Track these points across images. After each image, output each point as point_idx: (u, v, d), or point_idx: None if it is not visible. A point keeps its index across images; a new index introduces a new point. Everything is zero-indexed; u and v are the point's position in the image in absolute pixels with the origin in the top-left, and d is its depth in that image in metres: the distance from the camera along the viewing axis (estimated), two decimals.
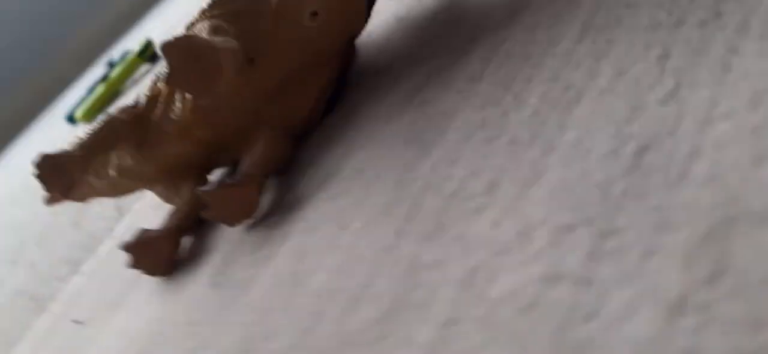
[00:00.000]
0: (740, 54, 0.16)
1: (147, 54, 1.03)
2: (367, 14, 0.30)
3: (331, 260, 0.21)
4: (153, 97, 0.32)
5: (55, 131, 1.28)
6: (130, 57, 1.03)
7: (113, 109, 0.32)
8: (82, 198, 0.34)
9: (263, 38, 0.29)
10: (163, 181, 0.33)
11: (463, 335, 0.15)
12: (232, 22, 0.29)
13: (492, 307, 0.15)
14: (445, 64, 0.27)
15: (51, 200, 0.36)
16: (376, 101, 0.29)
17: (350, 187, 0.24)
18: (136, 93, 0.94)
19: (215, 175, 0.37)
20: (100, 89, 1.05)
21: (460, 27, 0.28)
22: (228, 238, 0.29)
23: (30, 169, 1.12)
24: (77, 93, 1.60)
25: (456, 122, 0.23)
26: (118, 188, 0.35)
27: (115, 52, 1.67)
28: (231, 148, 0.32)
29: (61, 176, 0.28)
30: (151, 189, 0.35)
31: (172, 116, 0.31)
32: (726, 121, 0.15)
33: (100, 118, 0.31)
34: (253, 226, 0.28)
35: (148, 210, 0.41)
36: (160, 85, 0.32)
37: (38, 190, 0.89)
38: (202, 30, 0.27)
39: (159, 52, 1.06)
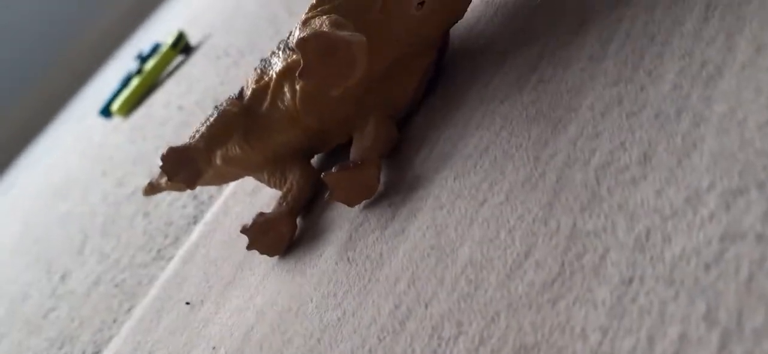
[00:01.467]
0: None
1: (180, 46, 1.05)
2: (469, 1, 0.32)
3: (478, 233, 0.23)
4: (260, 90, 0.33)
5: (88, 125, 1.30)
6: (164, 49, 1.05)
7: (221, 101, 0.34)
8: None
9: (372, 28, 0.31)
10: (269, 168, 0.35)
11: (647, 291, 0.17)
12: (344, 12, 0.31)
13: (673, 265, 0.17)
14: (557, 44, 0.28)
15: (149, 190, 0.38)
16: (481, 83, 0.30)
17: (477, 165, 0.26)
18: (175, 83, 0.95)
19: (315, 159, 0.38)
20: (136, 82, 1.06)
21: (561, 8, 0.30)
22: (349, 217, 0.30)
23: (68, 164, 1.14)
24: (96, 88, 1.61)
25: (587, 99, 0.24)
26: (225, 176, 0.37)
27: (131, 47, 1.68)
28: (334, 134, 0.34)
29: (188, 167, 0.30)
30: (255, 176, 0.36)
31: (281, 107, 0.33)
32: None
33: (213, 111, 0.33)
34: (373, 206, 0.29)
35: (228, 198, 0.43)
36: (267, 77, 0.33)
37: (86, 182, 0.91)
38: (324, 24, 0.29)
39: (191, 43, 1.07)
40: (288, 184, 0.34)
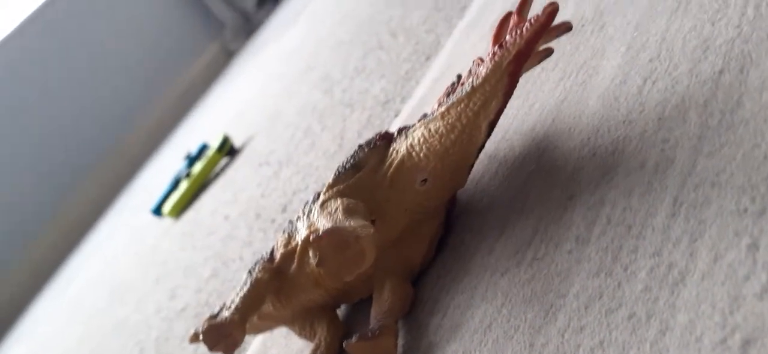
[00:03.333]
0: None
1: (225, 149, 1.11)
2: (469, 172, 0.35)
3: None
4: (288, 254, 0.37)
5: (141, 223, 1.37)
6: (211, 153, 1.11)
7: (255, 268, 0.38)
8: None
9: (381, 203, 0.34)
10: (300, 321, 0.39)
11: None
12: (355, 193, 0.35)
13: None
14: (549, 218, 0.31)
15: (193, 339, 0.42)
16: (486, 248, 0.33)
17: (482, 342, 0.29)
18: (221, 188, 1.01)
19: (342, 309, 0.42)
20: (185, 184, 1.13)
21: (553, 180, 0.33)
22: None
23: (123, 264, 1.20)
24: (144, 181, 1.70)
25: (574, 287, 0.27)
26: (261, 328, 0.40)
27: (179, 142, 1.77)
28: (356, 292, 0.37)
29: (225, 339, 0.34)
30: (288, 327, 0.40)
31: (307, 270, 0.37)
32: None
33: (247, 280, 0.37)
34: None
35: (266, 339, 0.47)
36: (295, 242, 0.37)
37: (141, 288, 0.96)
38: (339, 209, 0.32)
39: (235, 146, 1.14)
40: (316, 340, 0.37)
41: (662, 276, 0.24)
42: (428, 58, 0.69)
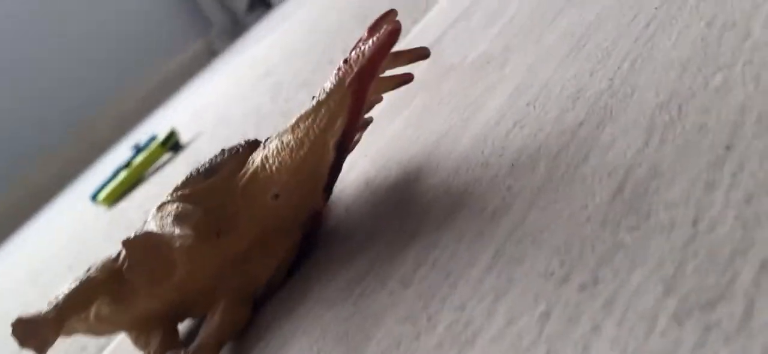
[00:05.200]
0: (600, 336, 0.18)
1: (170, 143, 1.09)
2: (327, 194, 0.33)
3: None
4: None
5: (79, 209, 1.33)
6: (154, 146, 1.08)
7: (93, 266, 0.35)
8: (64, 336, 0.37)
9: (230, 214, 0.32)
10: (136, 329, 0.36)
11: None
12: (203, 199, 0.32)
13: None
14: (386, 255, 0.29)
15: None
16: (328, 280, 0.31)
17: None
18: (155, 183, 0.98)
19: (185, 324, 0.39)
20: (123, 175, 1.10)
21: (407, 214, 0.31)
22: None
23: (51, 248, 1.16)
24: (106, 168, 1.67)
25: (380, 331, 0.24)
26: (96, 330, 0.37)
27: (144, 132, 1.74)
28: (197, 305, 0.34)
29: (35, 338, 0.31)
30: (125, 333, 0.37)
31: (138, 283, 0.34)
32: None
33: (78, 278, 0.34)
34: None
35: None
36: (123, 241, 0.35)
37: (58, 271, 0.92)
38: (170, 214, 0.30)
39: (182, 142, 1.11)
40: (147, 351, 0.34)
41: (457, 333, 0.21)
42: None
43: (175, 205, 0.31)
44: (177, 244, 0.27)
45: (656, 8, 0.31)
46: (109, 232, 0.92)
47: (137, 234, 0.27)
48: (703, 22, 0.27)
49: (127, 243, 0.27)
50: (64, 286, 0.37)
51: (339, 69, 0.28)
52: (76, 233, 1.11)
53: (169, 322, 0.35)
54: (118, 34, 2.60)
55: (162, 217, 0.30)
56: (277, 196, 0.32)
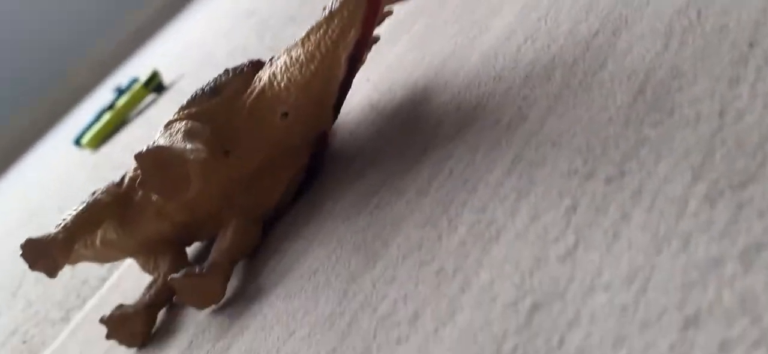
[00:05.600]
0: (629, 223, 0.18)
1: (153, 84, 1.06)
2: (336, 113, 0.32)
3: None
4: (135, 178, 0.34)
5: (62, 153, 1.31)
6: (137, 87, 1.06)
7: (99, 189, 0.34)
8: (71, 263, 0.36)
9: (237, 133, 0.31)
10: (144, 254, 0.36)
11: None
12: (209, 118, 0.32)
13: None
14: (399, 170, 0.29)
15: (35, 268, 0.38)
16: (340, 196, 0.31)
17: (304, 288, 0.26)
18: (140, 125, 0.96)
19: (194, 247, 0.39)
20: (107, 117, 1.08)
21: (416, 132, 0.30)
22: (196, 319, 0.31)
23: (35, 193, 1.15)
24: (86, 113, 1.63)
25: (399, 237, 0.24)
26: (103, 257, 0.37)
27: (123, 76, 1.71)
28: (205, 228, 0.34)
29: (45, 259, 0.30)
30: (133, 258, 0.37)
31: (152, 199, 0.33)
32: (604, 294, 0.16)
33: (85, 201, 0.34)
34: (219, 312, 0.30)
35: (124, 270, 0.44)
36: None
37: (45, 215, 0.91)
38: (179, 131, 0.29)
39: (164, 83, 1.09)
40: (156, 275, 0.34)
41: (480, 232, 0.22)
42: None
43: (183, 123, 0.30)
44: (191, 157, 0.26)
45: None
46: (95, 174, 0.91)
47: (149, 147, 0.27)
48: None
49: (139, 156, 0.26)
50: (69, 211, 0.37)
51: None
52: (62, 177, 1.09)
53: (177, 245, 0.35)
54: None
55: (171, 133, 0.30)
56: (285, 114, 0.31)
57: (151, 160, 0.27)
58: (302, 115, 0.31)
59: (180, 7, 2.64)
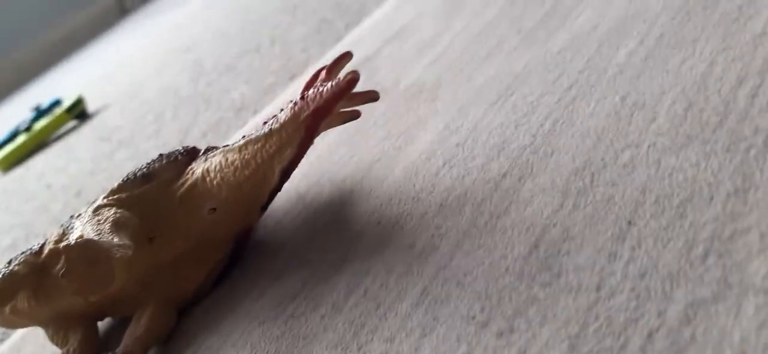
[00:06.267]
0: None
1: (76, 111, 1.04)
2: (263, 211, 0.34)
3: None
4: (56, 252, 0.34)
5: None
6: (59, 112, 1.03)
7: (16, 259, 0.34)
8: None
9: (164, 221, 0.32)
10: (54, 325, 0.35)
11: None
12: (138, 204, 0.32)
13: None
14: (318, 277, 0.30)
15: None
16: (258, 292, 0.32)
17: None
18: (57, 152, 0.93)
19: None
20: (22, 139, 1.04)
21: (339, 237, 0.32)
22: None
23: None
24: None
25: None
26: (10, 324, 0.36)
27: (39, 91, 1.64)
28: (120, 307, 0.35)
29: None
30: (42, 327, 0.36)
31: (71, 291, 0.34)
32: None
33: (3, 269, 0.33)
34: None
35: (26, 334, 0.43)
36: (67, 240, 0.34)
37: None
38: (108, 220, 0.30)
39: (88, 111, 1.06)
40: (65, 350, 0.34)
41: None
42: (293, 77, 0.67)
43: (112, 211, 0.31)
44: (117, 254, 0.27)
45: (579, 72, 0.35)
46: (3, 202, 0.87)
47: (77, 241, 0.27)
48: (618, 96, 0.31)
49: (66, 250, 0.27)
50: None
51: (295, 103, 0.30)
52: None
53: (88, 320, 0.35)
54: None
55: (99, 221, 0.30)
56: (214, 209, 0.32)
57: (77, 253, 0.27)
58: (230, 212, 0.33)
59: (112, 22, 2.57)
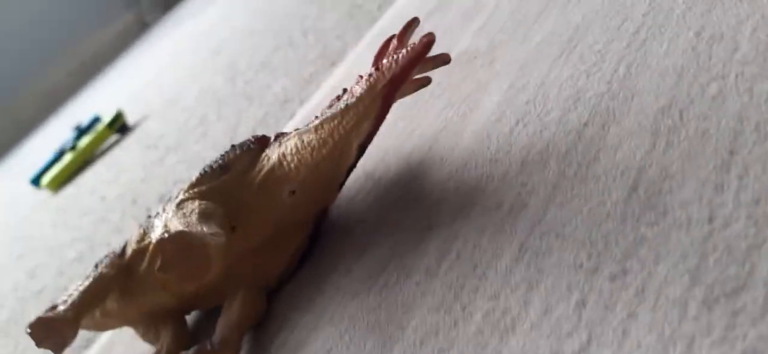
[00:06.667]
0: (637, 322, 0.20)
1: (117, 125, 1.05)
2: (339, 188, 0.34)
3: None
4: (140, 251, 0.35)
5: (17, 193, 1.27)
6: (101, 128, 1.05)
7: (103, 261, 0.35)
8: None
9: (245, 209, 0.33)
10: (144, 323, 0.36)
11: None
12: (219, 196, 0.33)
13: None
14: (404, 246, 0.30)
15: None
16: (344, 269, 0.32)
17: None
18: (106, 166, 0.95)
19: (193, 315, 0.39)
20: (69, 157, 1.06)
21: (418, 205, 0.32)
22: None
23: None
24: (39, 150, 1.59)
25: (414, 320, 0.26)
26: (102, 326, 0.37)
27: (77, 109, 1.67)
28: (208, 299, 0.35)
29: (54, 337, 0.31)
30: (132, 327, 0.37)
31: (156, 272, 0.34)
32: None
33: (91, 274, 0.34)
34: None
35: (114, 335, 0.44)
36: (148, 239, 0.35)
37: (3, 262, 0.89)
38: (193, 211, 0.30)
39: (129, 124, 1.08)
40: (158, 346, 0.35)
41: (495, 321, 0.23)
42: (333, 64, 0.68)
43: (196, 203, 0.31)
44: (212, 241, 0.27)
45: (644, 15, 0.34)
46: (59, 218, 0.89)
47: (170, 233, 0.28)
48: (692, 32, 0.30)
49: (161, 242, 0.27)
50: (74, 285, 0.37)
51: (370, 75, 0.30)
52: (22, 219, 1.07)
53: (178, 314, 0.36)
54: (41, 6, 2.46)
55: (185, 214, 0.31)
56: (293, 192, 0.33)
57: (172, 245, 0.28)
58: (309, 193, 0.33)
59: (135, 37, 2.61)
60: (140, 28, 2.70)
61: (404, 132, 0.41)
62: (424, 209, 0.32)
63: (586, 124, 0.30)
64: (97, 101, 1.60)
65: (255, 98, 0.75)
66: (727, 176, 0.22)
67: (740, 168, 0.22)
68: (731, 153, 0.23)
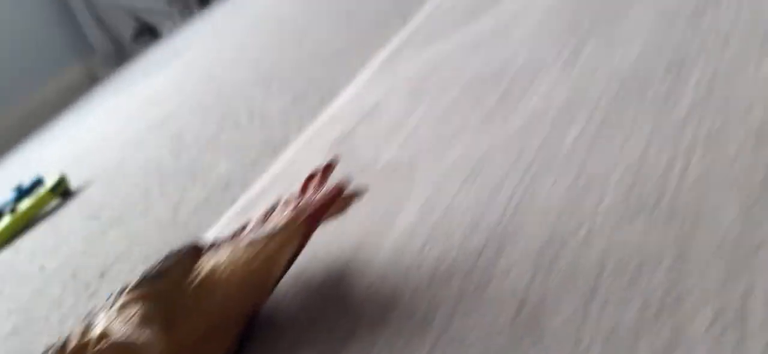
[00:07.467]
0: None
1: (60, 189, 1.06)
2: (270, 292, 0.38)
3: None
4: (80, 348, 0.38)
5: None
6: (43, 192, 1.05)
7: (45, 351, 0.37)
8: None
9: (182, 312, 0.36)
10: None
11: None
12: (158, 298, 0.36)
13: None
14: (327, 351, 0.34)
15: None
16: None
17: None
18: (45, 232, 0.96)
19: None
20: (8, 220, 1.06)
21: (343, 311, 0.37)
22: None
23: None
24: None
25: None
26: None
27: (11, 169, 1.65)
28: None
29: None
30: None
31: None
32: None
33: None
34: None
35: None
36: (90, 335, 0.38)
37: None
38: (136, 315, 0.34)
39: (71, 189, 1.09)
40: None
41: None
42: (274, 151, 0.72)
43: (137, 307, 0.35)
44: (152, 351, 0.31)
45: (538, 149, 0.40)
46: None
47: (113, 342, 0.31)
48: (571, 175, 0.36)
49: (102, 352, 0.31)
50: None
51: (294, 208, 0.35)
52: None
53: None
54: None
55: (127, 317, 0.34)
56: (226, 296, 0.37)
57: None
58: (240, 300, 0.37)
59: (83, 91, 2.59)
60: (90, 82, 2.69)
61: (333, 235, 0.45)
62: (349, 315, 0.36)
63: (482, 251, 0.35)
64: (39, 160, 1.59)
65: (199, 177, 0.79)
66: (591, 307, 0.28)
67: (601, 301, 0.28)
68: (594, 289, 0.29)
